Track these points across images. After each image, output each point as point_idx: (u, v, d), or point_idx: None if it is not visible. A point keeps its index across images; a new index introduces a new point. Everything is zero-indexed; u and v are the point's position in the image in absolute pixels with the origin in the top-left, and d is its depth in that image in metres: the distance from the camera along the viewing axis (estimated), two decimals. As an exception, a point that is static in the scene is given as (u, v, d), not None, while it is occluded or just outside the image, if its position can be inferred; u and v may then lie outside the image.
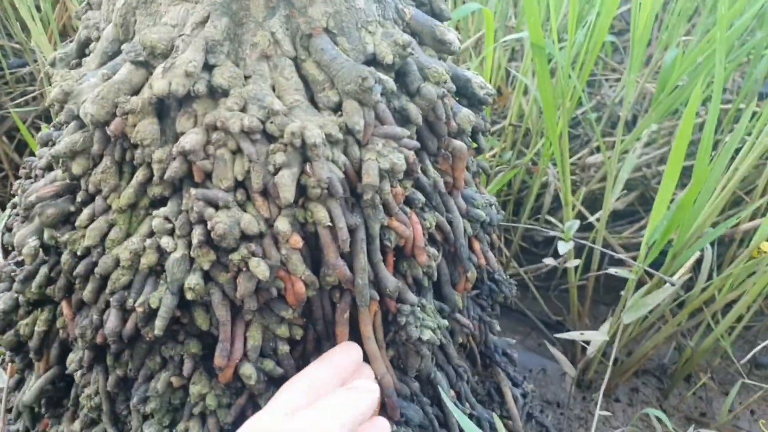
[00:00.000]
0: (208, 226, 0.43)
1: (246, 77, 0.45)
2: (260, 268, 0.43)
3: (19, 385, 0.57)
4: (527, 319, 1.07)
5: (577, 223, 0.80)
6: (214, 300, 0.45)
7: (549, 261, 0.85)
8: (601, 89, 1.16)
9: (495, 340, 0.66)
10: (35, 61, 1.12)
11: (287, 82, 0.46)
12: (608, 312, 1.05)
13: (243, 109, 0.44)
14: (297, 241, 0.45)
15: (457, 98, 0.55)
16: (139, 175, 0.45)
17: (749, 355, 0.78)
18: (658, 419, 0.86)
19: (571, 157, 1.04)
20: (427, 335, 0.50)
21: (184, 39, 0.44)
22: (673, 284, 0.73)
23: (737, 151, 0.80)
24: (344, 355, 0.47)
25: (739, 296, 0.82)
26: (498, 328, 0.63)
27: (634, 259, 0.82)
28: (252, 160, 0.44)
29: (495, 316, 0.64)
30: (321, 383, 0.44)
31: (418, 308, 0.51)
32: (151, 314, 0.44)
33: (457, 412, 0.43)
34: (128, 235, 0.46)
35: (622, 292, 0.83)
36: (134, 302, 0.44)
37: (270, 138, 0.44)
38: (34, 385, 0.52)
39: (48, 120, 1.12)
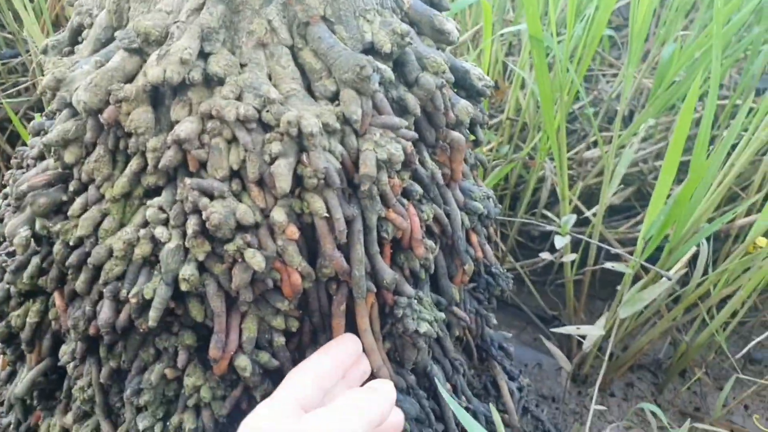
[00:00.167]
0: (203, 216, 0.42)
1: (242, 65, 0.45)
2: (256, 259, 0.43)
3: (10, 377, 0.57)
4: (523, 313, 1.07)
5: (573, 217, 0.80)
6: (209, 291, 0.44)
7: (545, 255, 0.84)
8: (599, 84, 1.16)
9: (491, 334, 0.66)
10: (27, 51, 1.11)
11: (284, 70, 0.45)
12: (604, 307, 1.05)
13: (239, 98, 0.43)
14: (293, 231, 0.44)
15: (455, 90, 0.54)
16: (133, 164, 0.44)
17: (744, 350, 0.79)
18: (653, 414, 0.86)
19: (568, 152, 1.04)
20: (423, 328, 0.49)
21: (179, 26, 0.43)
22: (669, 279, 0.73)
23: (734, 147, 0.81)
24: (345, 346, 0.46)
25: (734, 291, 0.82)
26: (494, 321, 0.63)
27: (631, 254, 0.82)
28: (248, 149, 0.43)
29: (491, 309, 0.64)
30: (325, 375, 0.43)
31: (415, 301, 0.50)
32: (144, 305, 0.44)
33: (453, 405, 0.43)
34: (122, 225, 0.45)
35: (618, 287, 0.83)
36: (128, 293, 0.44)
37: (266, 127, 0.44)
38: (25, 377, 0.51)
39: (40, 111, 1.11)
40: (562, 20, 0.98)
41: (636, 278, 0.82)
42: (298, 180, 0.44)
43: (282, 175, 0.43)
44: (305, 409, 0.40)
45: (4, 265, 0.49)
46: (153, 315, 0.43)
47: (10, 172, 0.58)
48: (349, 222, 0.46)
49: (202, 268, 0.44)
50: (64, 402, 0.54)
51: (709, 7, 0.96)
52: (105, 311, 0.44)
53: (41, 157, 0.51)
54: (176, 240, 0.43)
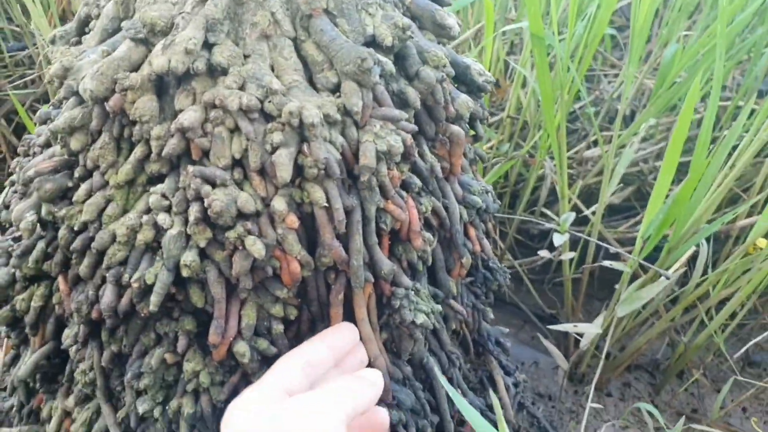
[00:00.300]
0: (205, 204, 0.43)
1: (245, 56, 0.45)
2: (256, 247, 0.44)
3: (14, 361, 0.58)
4: (521, 312, 1.07)
5: (572, 215, 0.80)
6: (210, 277, 0.45)
7: (544, 253, 0.85)
8: (600, 85, 1.17)
9: (488, 329, 0.66)
10: (35, 44, 1.12)
11: (286, 62, 0.46)
12: (602, 307, 1.06)
13: (242, 88, 0.44)
14: (293, 220, 0.45)
15: (455, 85, 0.55)
16: (137, 151, 0.45)
17: (741, 351, 0.79)
18: (650, 414, 0.86)
19: (568, 151, 1.05)
20: (420, 319, 0.50)
21: (184, 17, 0.44)
22: (668, 278, 0.73)
23: (734, 148, 0.81)
24: (340, 335, 0.47)
25: (734, 293, 0.83)
26: (491, 316, 0.64)
27: (629, 253, 0.83)
28: (250, 138, 0.44)
29: (489, 304, 0.64)
30: (317, 362, 0.44)
31: (413, 292, 0.51)
32: (146, 290, 0.45)
33: (452, 393, 0.44)
34: (125, 212, 0.46)
35: (617, 286, 0.83)
36: (130, 278, 0.45)
37: (268, 117, 0.45)
38: (29, 360, 0.52)
39: (47, 103, 1.12)
40: (563, 19, 0.99)
41: (634, 278, 0.82)
42: (298, 170, 0.45)
43: (283, 164, 0.43)
44: (291, 394, 0.41)
45: (10, 249, 0.50)
46: (154, 300, 0.44)
47: (16, 159, 0.59)
48: (348, 212, 0.47)
49: (203, 254, 0.45)
50: (66, 385, 0.55)
51: (713, 7, 0.96)
52: (107, 295, 0.45)
53: (48, 145, 0.52)
54: (178, 226, 0.44)
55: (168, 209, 0.45)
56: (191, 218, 0.43)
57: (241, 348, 0.46)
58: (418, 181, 0.51)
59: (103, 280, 0.46)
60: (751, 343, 0.78)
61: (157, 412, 0.49)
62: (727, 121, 1.04)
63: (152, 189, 0.45)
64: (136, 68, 0.45)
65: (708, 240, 0.82)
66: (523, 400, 0.71)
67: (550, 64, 0.79)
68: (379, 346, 0.51)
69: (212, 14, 0.44)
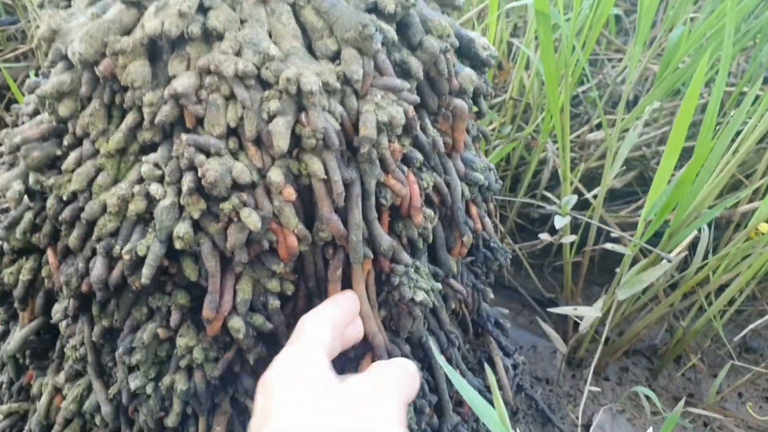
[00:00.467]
0: (199, 174, 0.42)
1: (242, 21, 0.44)
2: (251, 219, 0.42)
3: (3, 336, 0.56)
4: (520, 296, 1.06)
5: (574, 197, 0.79)
6: (204, 250, 0.44)
7: (545, 236, 0.84)
8: (604, 69, 1.15)
9: (488, 309, 0.65)
10: (27, 19, 1.09)
11: (284, 28, 0.44)
12: (601, 292, 1.05)
13: (238, 54, 0.42)
14: (290, 193, 0.44)
15: (459, 59, 0.53)
16: (129, 119, 0.44)
17: (740, 335, 0.78)
18: (647, 398, 0.86)
19: (570, 134, 1.03)
20: (420, 296, 0.49)
21: (179, -22, 0.42)
22: (669, 260, 0.73)
23: (738, 134, 0.80)
24: (349, 301, 0.46)
25: (733, 278, 0.82)
26: (491, 295, 0.63)
27: (631, 238, 0.82)
28: (245, 106, 0.42)
29: (489, 284, 0.63)
30: (338, 324, 0.44)
31: (412, 269, 0.50)
32: (138, 262, 0.43)
33: (451, 373, 0.43)
34: (116, 181, 0.44)
35: (617, 270, 0.82)
36: (121, 249, 0.43)
37: (265, 84, 0.43)
38: (18, 334, 0.51)
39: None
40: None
41: (635, 262, 0.81)
42: (296, 140, 0.43)
43: (280, 133, 0.42)
44: (329, 356, 0.40)
45: (-4, 220, 0.49)
46: (146, 272, 0.42)
47: (5, 130, 0.57)
48: (347, 185, 0.45)
49: (197, 226, 0.43)
50: (56, 362, 0.53)
51: (720, -9, 0.94)
52: (98, 268, 0.44)
53: (36, 113, 0.50)
54: (171, 197, 0.43)
55: (161, 179, 0.43)
56: (184, 188, 0.42)
57: (236, 323, 0.45)
58: (419, 156, 0.50)
59: (93, 252, 0.45)
60: (749, 328, 0.77)
61: (149, 389, 0.48)
62: (731, 108, 1.02)
63: (144, 158, 0.44)
64: (127, 32, 0.43)
65: (709, 226, 0.81)
66: (521, 382, 0.71)
67: (554, 43, 0.77)
68: (378, 324, 0.50)
69: (208, -24, 0.42)
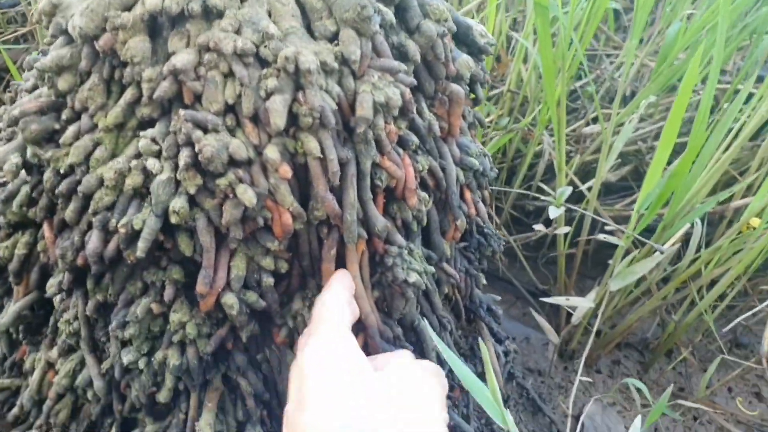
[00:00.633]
0: (196, 149, 0.42)
1: (242, 0, 0.44)
2: (247, 195, 0.43)
3: (-3, 312, 0.56)
4: (513, 288, 1.07)
5: (569, 189, 0.80)
6: (199, 225, 0.44)
7: (539, 227, 0.84)
8: (602, 64, 1.15)
9: (480, 296, 0.66)
10: (28, 2, 1.09)
11: (284, 7, 0.45)
12: (594, 285, 1.06)
13: (237, 32, 0.43)
14: (286, 170, 0.44)
15: (457, 46, 0.54)
16: (128, 94, 0.44)
17: (729, 326, 0.79)
18: (638, 390, 0.87)
19: (567, 128, 1.04)
20: (413, 278, 0.49)
21: (179, -46, 0.42)
22: (662, 252, 0.73)
23: (731, 131, 0.80)
24: (348, 281, 0.47)
25: (725, 272, 0.83)
26: (484, 281, 0.63)
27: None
28: (243, 83, 0.43)
29: (482, 270, 0.64)
30: (348, 302, 0.44)
31: (406, 251, 0.50)
32: (133, 236, 0.43)
33: (444, 350, 0.43)
34: (114, 156, 0.44)
35: (610, 262, 0.83)
36: (117, 223, 0.43)
37: (263, 63, 0.43)
38: (12, 308, 0.51)
39: (38, 64, 1.09)
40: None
41: (628, 255, 0.82)
42: (293, 119, 0.44)
43: (277, 111, 0.42)
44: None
45: (-7, 194, 0.49)
46: (141, 245, 0.43)
47: (3, 107, 0.57)
48: (342, 165, 0.46)
49: (192, 202, 0.44)
50: (49, 337, 0.54)
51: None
52: (93, 241, 0.44)
53: (35, 89, 0.50)
54: (168, 172, 0.43)
55: (158, 154, 0.43)
56: (181, 163, 0.42)
57: (230, 300, 0.46)
58: (415, 139, 0.50)
59: (89, 226, 0.45)
60: (738, 319, 0.78)
61: (142, 363, 0.48)
62: (725, 106, 1.03)
63: (142, 133, 0.44)
64: (128, 7, 0.43)
65: (702, 221, 0.82)
66: (513, 370, 0.71)
67: (552, 36, 0.77)
68: (371, 304, 0.50)
69: (208, -47, 0.42)
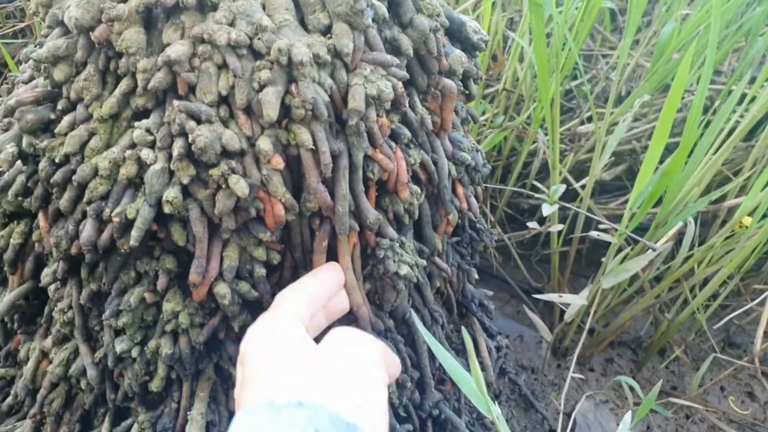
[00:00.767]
0: (189, 140, 0.42)
1: (236, -7, 0.44)
2: (240, 185, 0.43)
3: (-8, 301, 0.57)
4: (507, 286, 1.08)
5: (563, 186, 0.80)
6: (192, 215, 0.44)
7: (533, 225, 0.85)
8: (598, 65, 1.16)
9: (472, 290, 0.66)
10: (27, -2, 1.10)
11: (278, 0, 0.45)
12: (588, 284, 1.06)
13: (231, 24, 0.43)
14: (278, 161, 0.44)
15: (451, 42, 0.54)
16: (123, 84, 0.44)
17: (721, 323, 0.79)
18: (631, 388, 0.87)
19: (561, 127, 1.04)
20: (404, 270, 0.50)
21: (175, -53, 0.43)
22: (654, 249, 0.74)
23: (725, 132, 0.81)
24: (332, 274, 0.47)
25: (717, 271, 0.83)
26: (477, 276, 0.64)
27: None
28: (237, 75, 0.43)
29: (474, 265, 0.64)
30: (315, 298, 0.44)
31: (397, 244, 0.51)
32: (127, 225, 0.44)
33: (434, 344, 0.43)
34: (108, 146, 0.45)
35: (604, 260, 0.84)
36: (111, 212, 0.44)
37: (257, 55, 0.44)
38: (6, 297, 0.52)
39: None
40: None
41: (621, 252, 0.82)
42: (285, 111, 0.44)
43: (270, 102, 0.43)
44: (311, 329, 0.41)
45: (-11, 183, 0.49)
46: (135, 235, 0.43)
47: (0, 99, 0.57)
48: (335, 157, 0.46)
49: (186, 192, 0.44)
50: (44, 326, 0.54)
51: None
52: (87, 230, 0.45)
53: (31, 80, 0.51)
54: (162, 162, 0.44)
55: (152, 144, 0.44)
56: (175, 153, 0.43)
57: (222, 289, 0.46)
58: (407, 133, 0.51)
59: (84, 215, 0.46)
60: (730, 316, 0.79)
61: (135, 352, 0.49)
62: (719, 106, 1.04)
63: (137, 124, 0.44)
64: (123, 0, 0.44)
65: (695, 220, 0.83)
66: (505, 366, 0.72)
67: (548, 35, 0.78)
68: (362, 296, 0.51)
69: (203, -54, 0.43)
